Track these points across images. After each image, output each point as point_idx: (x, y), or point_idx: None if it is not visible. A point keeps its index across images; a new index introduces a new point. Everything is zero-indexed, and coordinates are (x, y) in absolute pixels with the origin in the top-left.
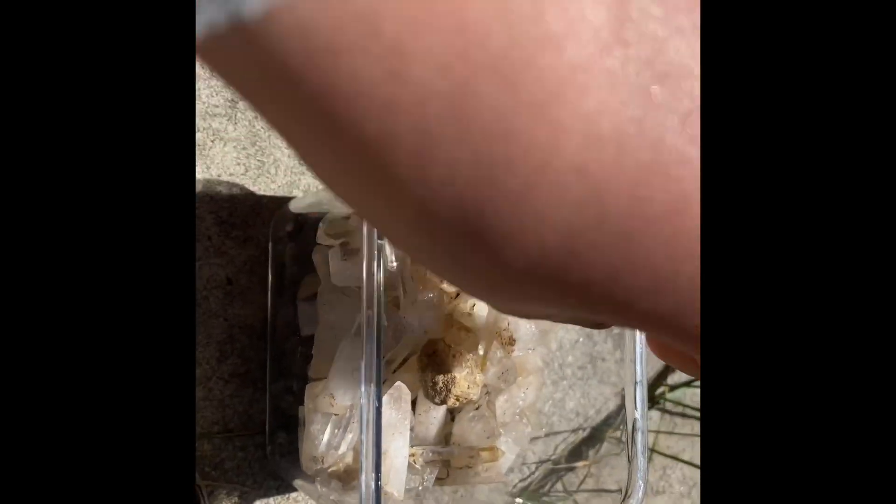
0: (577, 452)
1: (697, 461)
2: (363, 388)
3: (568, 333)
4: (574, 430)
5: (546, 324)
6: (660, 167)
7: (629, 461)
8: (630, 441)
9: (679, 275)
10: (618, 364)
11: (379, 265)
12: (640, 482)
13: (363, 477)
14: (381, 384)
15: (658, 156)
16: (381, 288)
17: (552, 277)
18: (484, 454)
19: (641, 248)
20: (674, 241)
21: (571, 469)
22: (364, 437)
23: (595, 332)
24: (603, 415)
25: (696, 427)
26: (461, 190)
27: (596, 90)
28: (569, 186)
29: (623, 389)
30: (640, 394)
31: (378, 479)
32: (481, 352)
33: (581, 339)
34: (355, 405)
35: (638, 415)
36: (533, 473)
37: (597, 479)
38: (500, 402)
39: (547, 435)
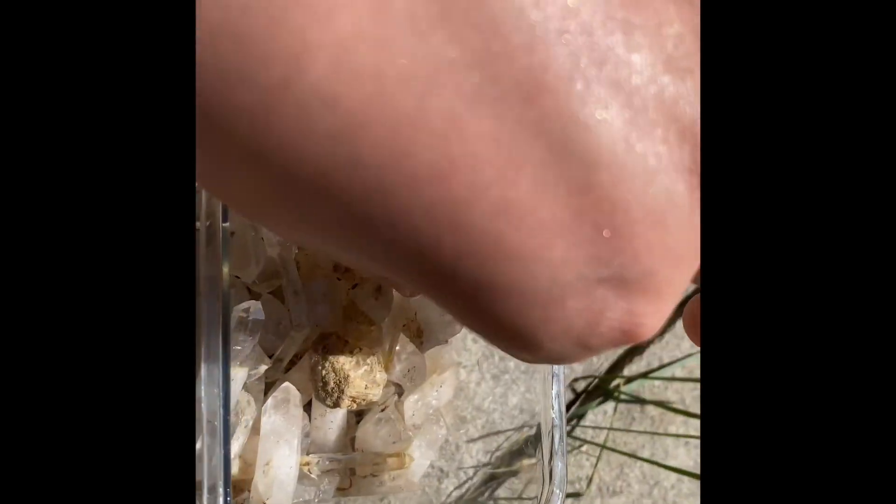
0: (521, 453)
1: (658, 458)
2: (202, 388)
3: None
4: (518, 429)
5: None
6: (425, 123)
7: (543, 466)
8: (549, 442)
9: (441, 244)
10: None
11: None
12: (558, 490)
13: (205, 493)
14: (228, 380)
15: (424, 110)
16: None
17: (310, 206)
18: (391, 461)
19: (399, 204)
20: (435, 208)
21: (514, 473)
22: (203, 444)
23: None
24: None
25: (655, 423)
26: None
27: (350, 12)
28: (315, 116)
29: (574, 381)
30: (557, 388)
31: (227, 494)
32: (388, 347)
33: None
34: (240, 407)
35: (554, 413)
36: (470, 479)
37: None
38: (411, 402)
39: (488, 435)
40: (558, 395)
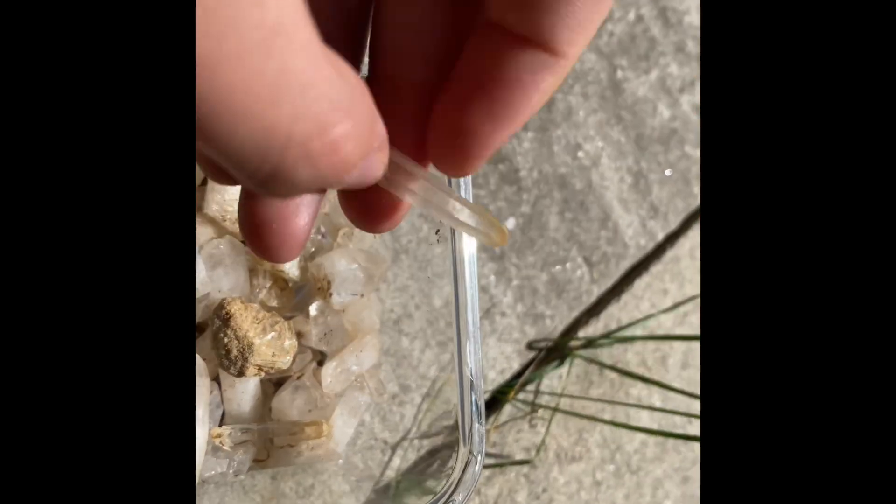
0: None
1: (619, 420)
2: None
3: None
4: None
5: (373, 267)
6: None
7: (460, 430)
8: (462, 404)
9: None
10: (520, 319)
11: None
12: (476, 455)
13: None
14: None
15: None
16: None
17: None
18: (308, 430)
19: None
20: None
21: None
22: None
23: (492, 283)
24: (506, 376)
25: (615, 386)
26: None
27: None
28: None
29: (528, 344)
30: (472, 346)
31: None
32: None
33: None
34: None
35: (472, 368)
36: (417, 450)
37: (501, 448)
38: (329, 369)
39: (432, 402)
40: (473, 353)
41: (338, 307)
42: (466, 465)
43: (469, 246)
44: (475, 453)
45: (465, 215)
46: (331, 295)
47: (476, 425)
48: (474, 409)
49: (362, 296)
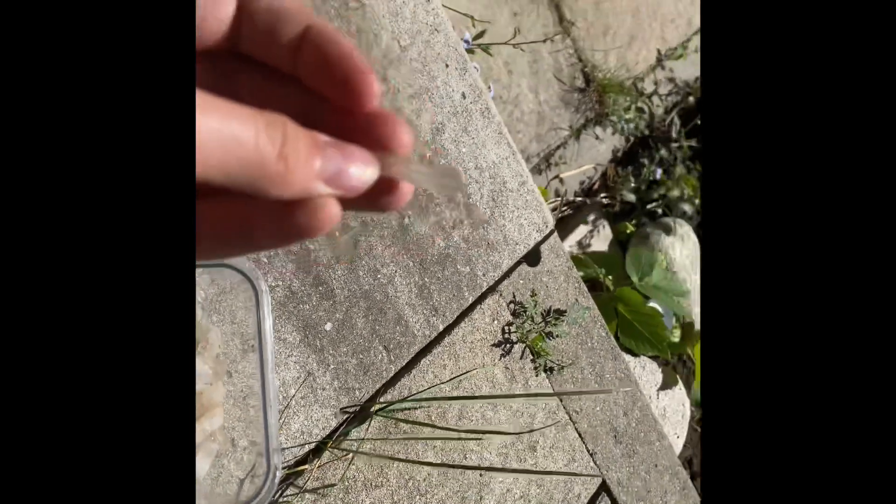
0: (303, 461)
1: (413, 458)
2: None
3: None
4: (301, 445)
5: (219, 367)
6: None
7: (265, 459)
8: (265, 440)
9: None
10: (336, 391)
11: None
12: (275, 472)
13: None
14: None
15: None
16: None
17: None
18: None
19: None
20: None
21: (300, 473)
22: None
23: (315, 367)
24: (327, 431)
25: (409, 434)
26: None
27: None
28: None
29: (342, 409)
30: (269, 414)
31: None
32: None
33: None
34: None
35: (271, 424)
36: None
37: (322, 480)
38: None
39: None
40: (273, 417)
41: (198, 390)
42: (266, 478)
43: (268, 356)
44: (272, 471)
45: (416, 170)
46: None
47: (274, 456)
48: (272, 446)
49: (212, 384)
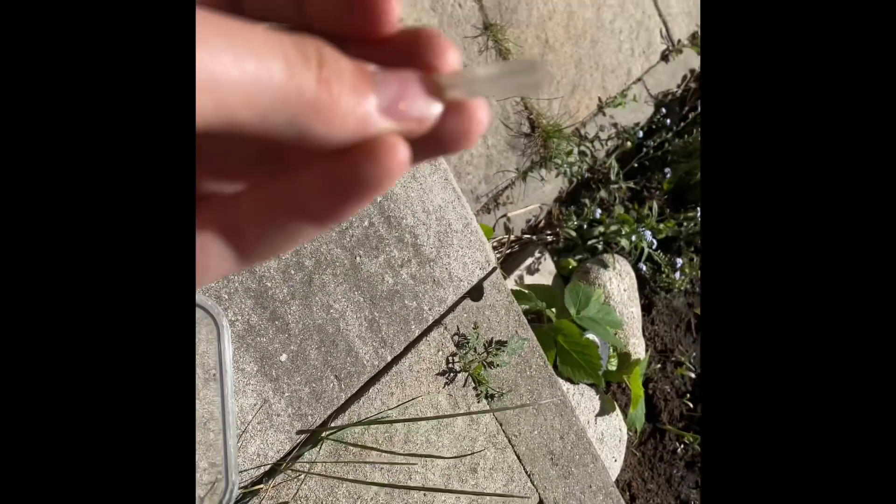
0: (259, 482)
1: (362, 479)
2: None
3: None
4: (257, 467)
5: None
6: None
7: (224, 471)
8: (224, 460)
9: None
10: (290, 417)
11: None
12: (232, 485)
13: None
14: None
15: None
16: None
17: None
18: None
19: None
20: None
21: (256, 493)
22: None
23: (271, 395)
24: (281, 454)
25: (357, 457)
26: None
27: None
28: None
29: (297, 433)
30: (232, 436)
31: None
32: None
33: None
34: None
35: (231, 445)
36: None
37: (276, 499)
38: None
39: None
40: (232, 439)
41: None
42: (224, 496)
43: (228, 385)
44: (230, 488)
45: (483, 76)
46: None
47: (232, 474)
48: (231, 463)
49: None
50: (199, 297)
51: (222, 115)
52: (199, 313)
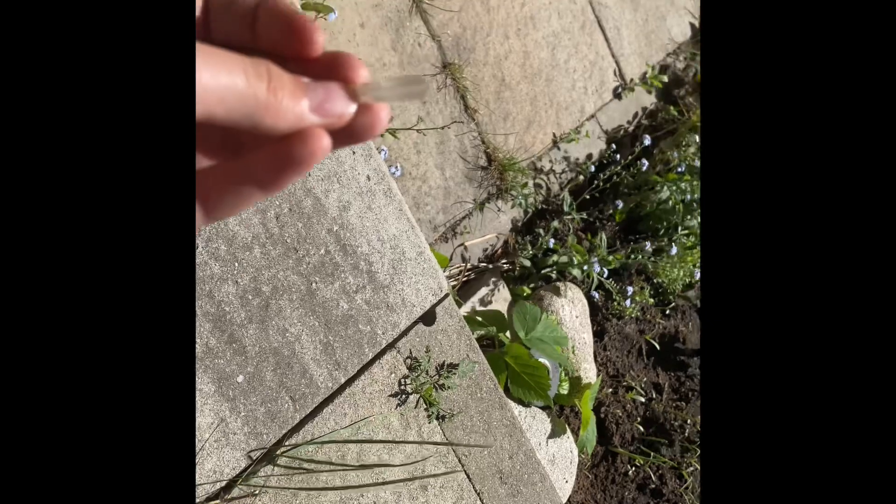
0: (216, 497)
1: (316, 493)
2: None
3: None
4: (213, 482)
5: None
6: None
7: None
8: None
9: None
10: (247, 436)
11: None
12: None
13: None
14: None
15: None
16: None
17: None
18: None
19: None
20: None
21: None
22: None
23: (227, 414)
24: (237, 470)
25: (311, 473)
26: None
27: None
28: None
29: (251, 451)
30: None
31: None
32: None
33: None
34: None
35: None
36: None
37: None
38: None
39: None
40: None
41: None
42: None
43: None
44: None
45: (385, 87)
46: None
47: None
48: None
49: None
50: None
51: (202, 110)
52: None
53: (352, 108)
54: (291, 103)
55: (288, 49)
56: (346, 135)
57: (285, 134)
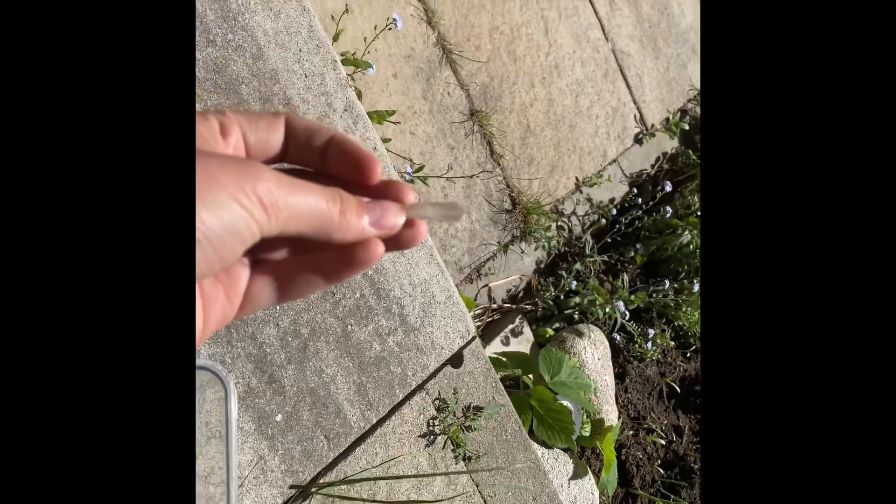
0: None
1: None
2: None
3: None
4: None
5: None
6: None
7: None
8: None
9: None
10: (283, 473)
11: None
12: None
13: None
14: None
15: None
16: None
17: None
18: None
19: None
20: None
21: None
22: None
23: (266, 452)
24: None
25: None
26: None
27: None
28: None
29: (289, 488)
30: (234, 487)
31: None
32: None
33: None
34: None
35: (233, 495)
36: None
37: None
38: None
39: None
40: (235, 490)
41: None
42: None
43: (233, 441)
44: None
45: (428, 208)
46: None
47: None
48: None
49: None
50: (208, 362)
51: (295, 225)
52: (207, 375)
53: (401, 221)
54: (356, 220)
55: (353, 176)
56: (394, 243)
57: (350, 242)
